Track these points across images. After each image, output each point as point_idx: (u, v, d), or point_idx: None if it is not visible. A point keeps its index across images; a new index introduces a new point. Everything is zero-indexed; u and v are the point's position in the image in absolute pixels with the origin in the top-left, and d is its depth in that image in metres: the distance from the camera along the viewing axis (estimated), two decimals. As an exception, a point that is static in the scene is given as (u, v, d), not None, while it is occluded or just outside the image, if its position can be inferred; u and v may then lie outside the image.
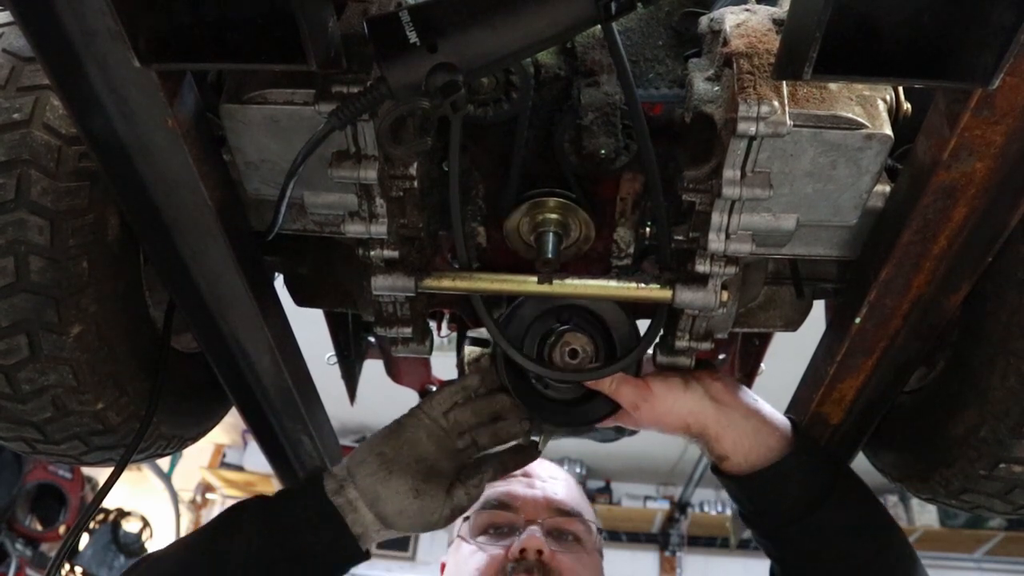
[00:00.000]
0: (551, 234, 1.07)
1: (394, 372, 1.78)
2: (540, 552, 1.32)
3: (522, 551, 1.33)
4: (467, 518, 1.40)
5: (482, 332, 1.25)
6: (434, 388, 1.84)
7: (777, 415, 1.15)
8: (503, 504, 1.41)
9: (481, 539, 1.39)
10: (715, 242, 0.94)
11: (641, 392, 1.12)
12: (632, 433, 1.28)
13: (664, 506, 7.30)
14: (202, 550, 1.11)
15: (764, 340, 1.53)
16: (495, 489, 1.42)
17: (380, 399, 2.21)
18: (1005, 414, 0.97)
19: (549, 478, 1.48)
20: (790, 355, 1.57)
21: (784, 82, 0.82)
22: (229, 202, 0.97)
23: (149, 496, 6.37)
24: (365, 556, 1.15)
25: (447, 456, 1.18)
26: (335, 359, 1.63)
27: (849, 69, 0.67)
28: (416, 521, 1.14)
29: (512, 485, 1.43)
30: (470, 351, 1.24)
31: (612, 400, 1.15)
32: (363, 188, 0.94)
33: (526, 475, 1.45)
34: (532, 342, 1.15)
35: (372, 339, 1.73)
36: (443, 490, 1.15)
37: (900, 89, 0.95)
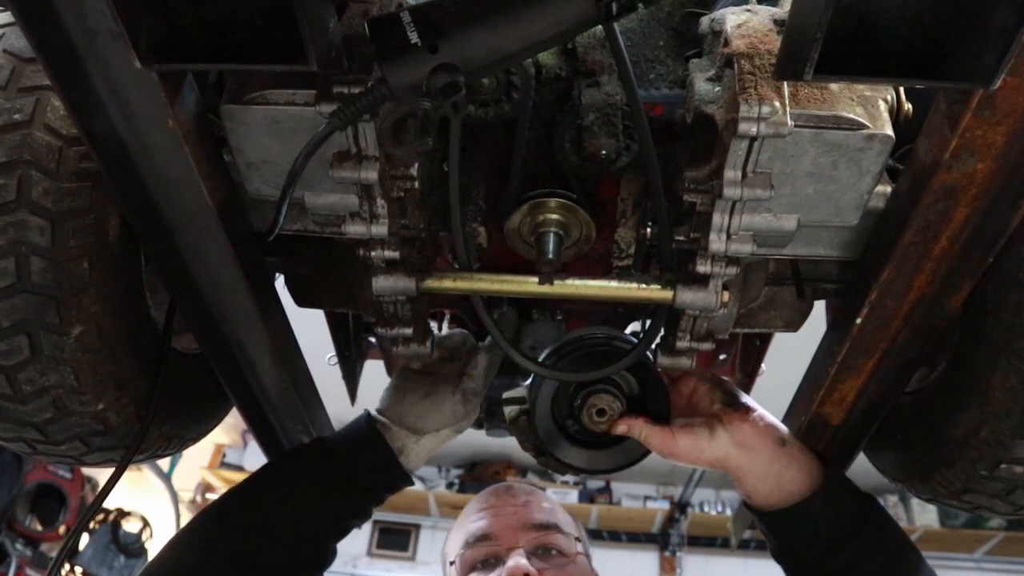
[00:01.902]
0: (552, 235, 1.07)
1: (394, 372, 1.77)
2: (527, 575, 1.35)
3: None
4: (452, 562, 1.45)
5: (514, 390, 1.31)
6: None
7: (807, 455, 1.15)
8: (482, 537, 1.44)
9: None
10: (716, 243, 0.93)
11: (668, 444, 1.16)
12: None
13: (664, 506, 7.29)
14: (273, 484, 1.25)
15: (765, 341, 1.54)
16: (473, 525, 1.46)
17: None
18: (1006, 414, 0.97)
19: (522, 502, 1.51)
20: (791, 355, 1.57)
21: (785, 82, 0.82)
22: (230, 203, 0.97)
23: (149, 496, 6.36)
24: (407, 479, 1.29)
25: (447, 365, 1.34)
26: (335, 359, 1.63)
27: (850, 69, 0.67)
28: (437, 417, 1.28)
29: (487, 518, 1.47)
30: (509, 411, 1.28)
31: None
32: (364, 189, 0.94)
33: (499, 504, 1.50)
34: (562, 412, 1.23)
35: (373, 339, 1.73)
36: (451, 386, 1.30)
37: (901, 89, 0.95)
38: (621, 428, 1.17)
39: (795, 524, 1.12)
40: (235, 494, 1.25)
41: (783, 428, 1.17)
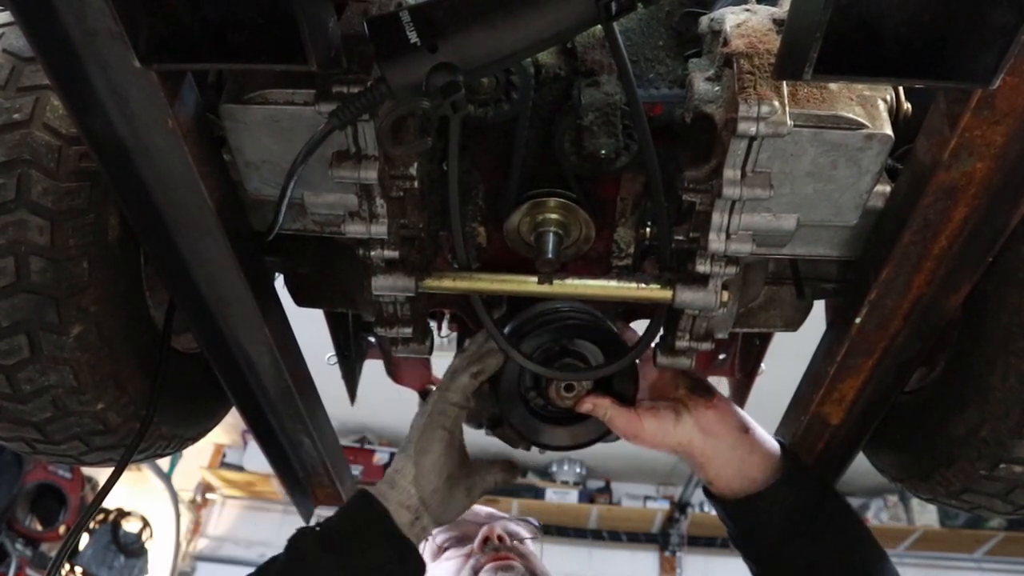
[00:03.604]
0: (551, 234, 1.07)
1: (394, 372, 1.77)
2: (501, 539, 1.40)
3: (485, 539, 1.41)
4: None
5: None
6: (434, 388, 1.83)
7: (768, 442, 1.17)
8: (452, 525, 1.45)
9: (443, 555, 1.45)
10: (715, 242, 0.93)
11: (632, 426, 1.15)
12: None
13: (664, 506, 7.30)
14: None
15: (764, 340, 1.53)
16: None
17: (380, 399, 2.21)
18: (1006, 414, 0.97)
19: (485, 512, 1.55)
20: (790, 355, 1.56)
21: (784, 82, 0.82)
22: (229, 202, 0.97)
23: (149, 496, 6.37)
24: None
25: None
26: (335, 359, 1.63)
27: (849, 69, 0.67)
28: (464, 511, 1.20)
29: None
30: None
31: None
32: (363, 188, 0.94)
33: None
34: (525, 384, 1.20)
35: (372, 339, 1.73)
36: (479, 476, 1.20)
37: (900, 89, 0.95)
38: (586, 406, 1.15)
39: (755, 511, 1.13)
40: None
41: (745, 415, 1.19)
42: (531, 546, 1.50)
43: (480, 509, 1.52)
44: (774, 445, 1.17)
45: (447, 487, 1.14)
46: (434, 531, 1.37)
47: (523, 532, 1.51)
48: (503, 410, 1.20)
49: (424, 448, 1.13)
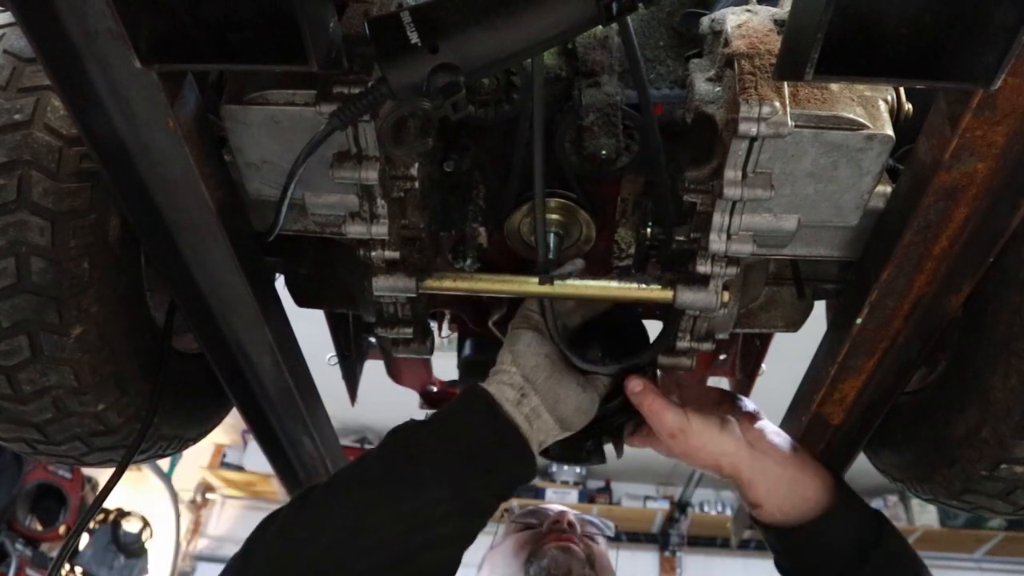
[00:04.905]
0: (552, 234, 1.07)
1: (395, 372, 1.77)
2: (571, 525, 1.44)
3: (556, 521, 1.46)
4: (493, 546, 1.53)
5: None
6: (435, 389, 1.84)
7: (818, 466, 1.07)
8: (529, 512, 1.54)
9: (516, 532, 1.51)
10: (716, 243, 0.94)
11: (680, 422, 1.05)
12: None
13: (664, 506, 7.30)
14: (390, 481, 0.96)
15: (765, 341, 1.53)
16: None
17: (380, 399, 2.21)
18: (1006, 414, 0.97)
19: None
20: (791, 355, 1.56)
21: (785, 83, 0.82)
22: (230, 203, 0.97)
23: (149, 496, 6.36)
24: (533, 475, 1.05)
25: None
26: (335, 359, 1.63)
27: (850, 70, 0.67)
28: (588, 415, 1.07)
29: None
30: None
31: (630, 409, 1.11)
32: (364, 189, 0.94)
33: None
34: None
35: (372, 339, 1.73)
36: (586, 377, 1.08)
37: (901, 90, 0.95)
38: (634, 385, 1.07)
39: (812, 541, 1.03)
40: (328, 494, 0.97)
41: (789, 436, 1.11)
42: (601, 544, 1.52)
43: (560, 505, 1.56)
44: (823, 470, 1.07)
45: (550, 366, 1.03)
46: (515, 505, 1.48)
47: (594, 528, 1.54)
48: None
49: (515, 338, 1.06)
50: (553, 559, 1.37)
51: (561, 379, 1.03)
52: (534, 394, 1.01)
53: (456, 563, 0.96)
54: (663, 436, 1.07)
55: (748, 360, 1.62)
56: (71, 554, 5.08)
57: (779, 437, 1.09)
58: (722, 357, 1.66)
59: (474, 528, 0.97)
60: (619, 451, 1.20)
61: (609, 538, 1.57)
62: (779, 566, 1.11)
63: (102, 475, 4.77)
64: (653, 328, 1.19)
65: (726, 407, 1.14)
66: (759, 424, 1.10)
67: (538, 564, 1.38)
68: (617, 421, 1.16)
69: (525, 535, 1.47)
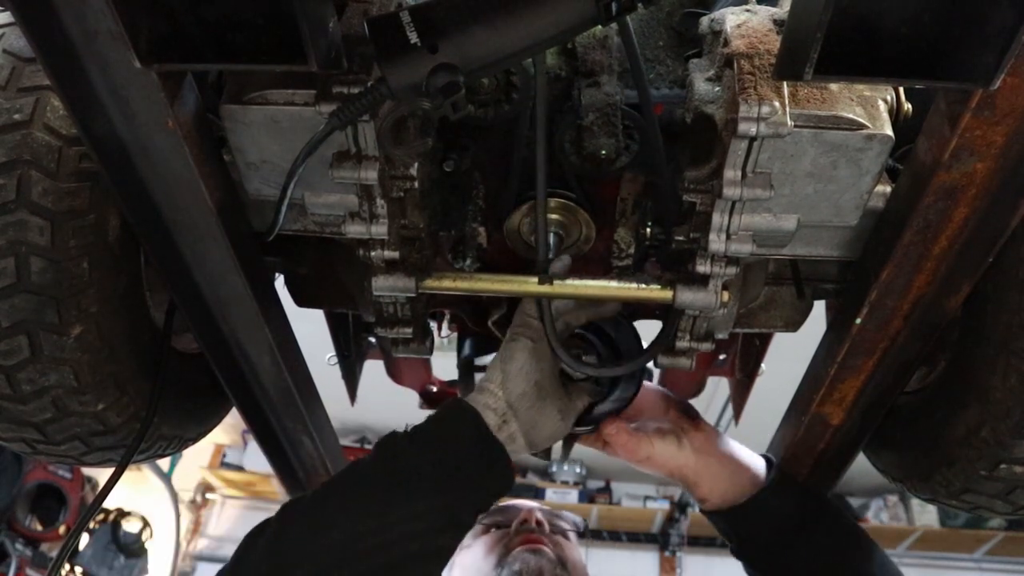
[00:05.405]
0: (551, 234, 1.07)
1: (394, 372, 1.77)
2: (539, 523, 1.43)
3: (523, 521, 1.45)
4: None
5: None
6: (434, 389, 1.84)
7: (754, 458, 1.25)
8: (497, 511, 1.50)
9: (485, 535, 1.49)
10: (716, 243, 0.94)
11: (648, 451, 1.21)
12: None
13: (664, 506, 7.29)
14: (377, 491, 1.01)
15: (765, 340, 1.53)
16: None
17: (380, 399, 2.21)
18: (1006, 414, 0.97)
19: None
20: (791, 355, 1.56)
21: (785, 83, 0.82)
22: (230, 203, 0.97)
23: (149, 496, 6.36)
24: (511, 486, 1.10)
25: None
26: (335, 359, 1.63)
27: (850, 69, 0.67)
28: (557, 440, 1.16)
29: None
30: None
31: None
32: (364, 189, 0.94)
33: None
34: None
35: (372, 339, 1.73)
36: (569, 398, 1.13)
37: (901, 89, 0.95)
38: (608, 429, 1.20)
39: (752, 516, 1.19)
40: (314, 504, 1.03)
41: (726, 437, 1.27)
42: (572, 540, 1.53)
43: (528, 502, 1.56)
44: (759, 460, 1.25)
45: (536, 395, 1.07)
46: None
47: (564, 524, 1.54)
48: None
49: (509, 356, 1.08)
50: (524, 562, 1.38)
51: (543, 408, 1.08)
52: (515, 421, 1.06)
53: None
54: (633, 462, 1.22)
55: (748, 360, 1.62)
56: (71, 554, 5.08)
57: (717, 437, 1.25)
58: (722, 357, 1.65)
59: (456, 543, 1.04)
60: (566, 454, 1.33)
61: (580, 533, 1.56)
62: (732, 549, 1.25)
63: (102, 475, 4.77)
64: (653, 328, 1.19)
65: (672, 414, 1.28)
66: (701, 428, 1.26)
67: (509, 568, 1.38)
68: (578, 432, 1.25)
69: (494, 536, 1.47)
